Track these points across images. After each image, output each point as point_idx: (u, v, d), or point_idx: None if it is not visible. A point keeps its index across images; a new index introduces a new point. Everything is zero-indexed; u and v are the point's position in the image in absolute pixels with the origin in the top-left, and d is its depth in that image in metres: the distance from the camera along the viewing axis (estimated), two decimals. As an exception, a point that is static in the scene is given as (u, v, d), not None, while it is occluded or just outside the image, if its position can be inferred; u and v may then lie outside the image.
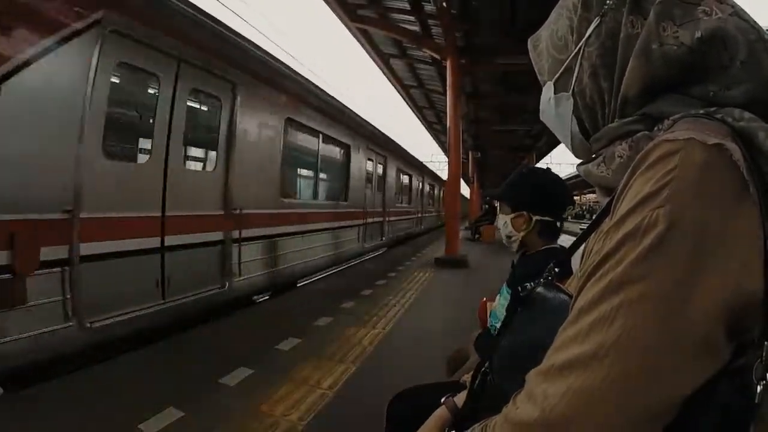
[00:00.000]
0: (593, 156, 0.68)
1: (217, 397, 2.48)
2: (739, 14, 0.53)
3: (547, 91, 0.73)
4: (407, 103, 17.01)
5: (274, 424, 2.21)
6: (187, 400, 2.43)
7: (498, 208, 1.82)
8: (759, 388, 0.43)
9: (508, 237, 1.71)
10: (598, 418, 0.42)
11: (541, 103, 0.78)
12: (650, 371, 0.41)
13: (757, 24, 0.53)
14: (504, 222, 1.71)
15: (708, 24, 0.51)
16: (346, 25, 9.23)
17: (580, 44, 0.64)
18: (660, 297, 0.41)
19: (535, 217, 1.64)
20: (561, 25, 0.68)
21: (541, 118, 0.82)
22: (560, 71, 0.69)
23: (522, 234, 1.66)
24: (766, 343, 0.43)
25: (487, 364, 0.79)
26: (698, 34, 0.51)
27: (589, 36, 0.62)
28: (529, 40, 0.80)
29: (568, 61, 0.67)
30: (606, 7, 0.61)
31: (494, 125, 18.36)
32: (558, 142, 22.01)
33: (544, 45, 0.74)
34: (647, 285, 0.42)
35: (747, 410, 0.43)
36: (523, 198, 1.68)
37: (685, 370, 0.41)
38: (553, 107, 0.72)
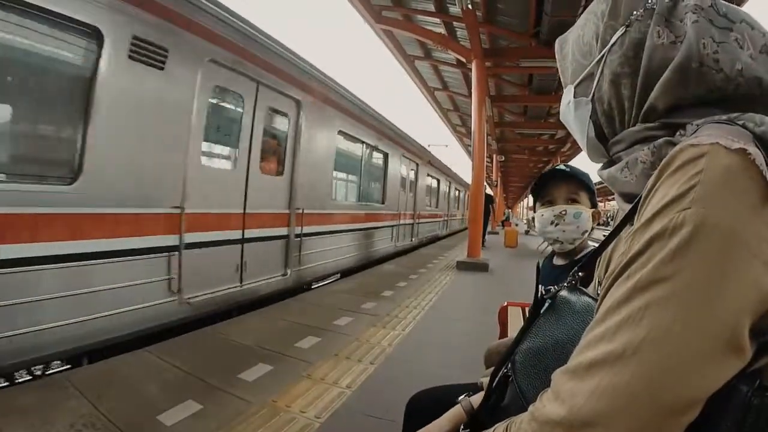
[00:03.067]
0: (611, 160, 0.70)
1: (235, 392, 2.50)
2: None
3: (567, 94, 0.76)
4: (431, 105, 16.97)
5: (291, 420, 2.22)
6: (206, 393, 2.46)
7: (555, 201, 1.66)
8: None
9: (584, 232, 1.61)
10: (626, 416, 0.42)
11: (561, 104, 0.81)
12: (677, 370, 0.42)
13: None
14: (587, 217, 1.61)
15: (746, 59, 0.53)
16: (372, 27, 9.27)
17: (603, 52, 0.66)
18: (687, 296, 0.42)
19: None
20: (588, 30, 0.70)
21: (561, 119, 0.84)
22: (582, 76, 0.71)
23: (592, 229, 1.62)
24: None
25: (508, 366, 0.78)
26: (738, 67, 0.53)
27: (613, 44, 0.64)
28: (557, 41, 0.82)
29: (590, 67, 0.69)
30: (633, 17, 0.62)
31: (518, 128, 18.23)
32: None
33: (570, 48, 0.76)
34: (675, 284, 0.43)
35: (767, 410, 0.44)
36: (594, 191, 1.66)
37: (710, 370, 0.42)
38: (572, 110, 0.74)
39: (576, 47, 0.73)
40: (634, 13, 0.62)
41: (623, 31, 0.62)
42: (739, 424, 0.44)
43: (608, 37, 0.65)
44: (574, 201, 1.61)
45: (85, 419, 2.11)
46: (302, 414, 2.30)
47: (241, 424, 2.17)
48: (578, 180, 1.62)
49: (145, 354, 3.02)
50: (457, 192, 22.46)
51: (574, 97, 0.73)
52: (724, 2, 0.58)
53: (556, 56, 0.80)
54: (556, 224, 1.60)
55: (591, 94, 0.69)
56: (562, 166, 1.63)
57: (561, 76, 0.80)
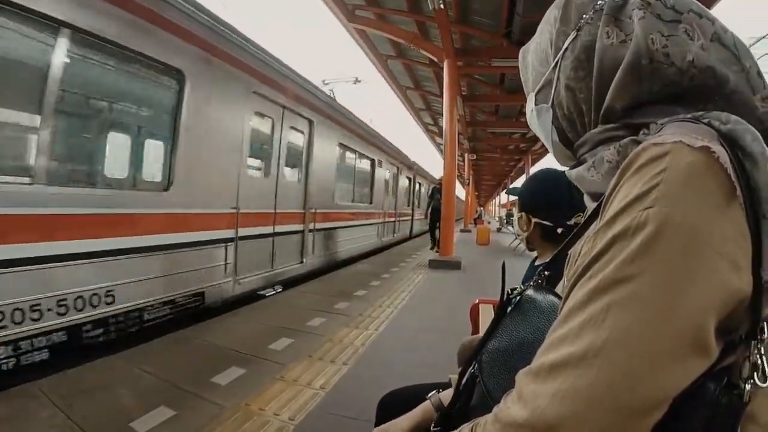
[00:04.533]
0: (578, 160, 0.69)
1: (208, 396, 2.47)
2: (721, 39, 0.55)
3: (530, 102, 0.76)
4: (404, 105, 17.02)
5: (266, 423, 2.21)
6: (179, 399, 2.42)
7: None
8: (747, 387, 0.44)
9: (518, 234, 1.78)
10: (589, 418, 0.42)
11: (526, 112, 0.81)
12: (641, 371, 0.41)
13: (737, 47, 0.55)
14: (515, 220, 1.78)
15: (697, 51, 0.53)
16: (344, 26, 9.23)
17: (557, 57, 0.66)
18: (650, 297, 0.42)
19: (534, 220, 1.64)
20: (543, 38, 0.71)
21: (528, 125, 0.85)
22: (541, 83, 0.72)
23: (525, 234, 1.68)
24: (753, 342, 0.44)
25: (475, 365, 0.79)
26: (689, 58, 0.53)
27: (565, 49, 0.64)
28: (520, 51, 0.83)
29: (547, 74, 0.70)
30: (582, 21, 0.63)
31: (490, 127, 18.42)
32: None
33: (530, 57, 0.76)
34: (637, 285, 0.42)
35: (735, 408, 0.44)
36: (527, 199, 1.69)
37: (675, 370, 0.42)
38: (535, 117, 0.75)
39: (534, 56, 0.74)
40: (584, 16, 0.63)
41: (574, 35, 0.63)
42: (708, 423, 0.44)
43: (561, 43, 0.66)
44: None
45: (58, 429, 2.06)
46: (276, 417, 2.29)
47: (215, 429, 2.14)
48: (513, 193, 1.80)
49: (116, 361, 2.95)
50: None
51: (536, 104, 0.74)
52: None
53: (519, 66, 0.82)
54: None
55: (551, 101, 0.70)
56: (510, 193, 1.80)
57: (524, 85, 0.81)
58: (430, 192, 11.35)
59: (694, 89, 0.54)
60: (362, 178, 10.90)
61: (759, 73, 0.55)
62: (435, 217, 10.74)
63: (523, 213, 1.67)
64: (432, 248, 11.05)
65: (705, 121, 0.48)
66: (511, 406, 0.49)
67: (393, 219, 14.13)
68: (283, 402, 2.45)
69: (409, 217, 17.44)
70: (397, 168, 14.36)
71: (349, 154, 9.50)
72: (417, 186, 18.74)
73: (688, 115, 0.51)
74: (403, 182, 15.82)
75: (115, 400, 2.40)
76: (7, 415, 2.14)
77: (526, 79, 0.78)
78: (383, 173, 12.28)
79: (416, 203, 18.53)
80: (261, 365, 2.99)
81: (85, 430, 2.06)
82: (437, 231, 10.25)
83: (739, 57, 0.54)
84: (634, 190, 0.45)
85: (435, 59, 9.47)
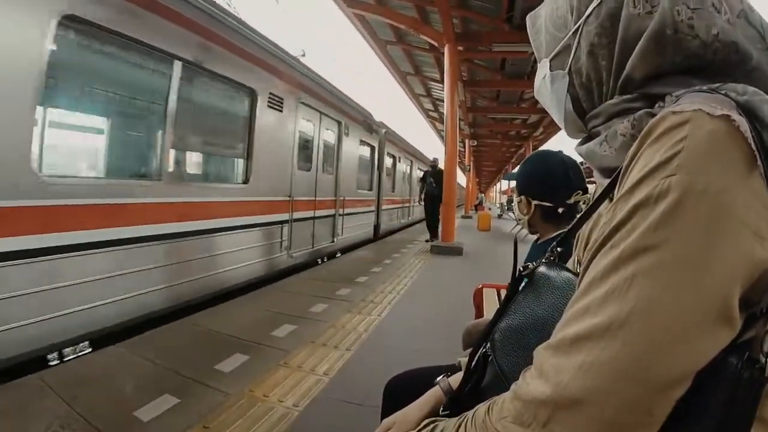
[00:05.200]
0: (589, 134, 0.69)
1: (212, 384, 2.47)
2: (748, 16, 0.54)
3: (543, 69, 0.74)
4: (404, 91, 16.89)
5: (270, 410, 2.21)
6: (183, 387, 2.42)
7: None
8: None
9: (518, 220, 1.78)
10: (614, 392, 0.41)
11: (535, 80, 0.79)
12: (667, 342, 0.40)
13: (763, 26, 0.54)
14: (514, 204, 1.76)
15: (723, 24, 0.52)
16: (343, 11, 9.11)
17: (579, 23, 0.63)
18: (675, 265, 0.41)
19: (534, 202, 1.64)
20: (561, 3, 0.68)
21: (535, 96, 0.82)
22: (557, 49, 0.69)
23: (526, 218, 1.68)
24: None
25: (487, 345, 0.77)
26: (714, 31, 0.52)
27: (588, 15, 0.62)
28: (528, 17, 0.80)
29: (565, 39, 0.67)
30: None
31: (491, 113, 18.32)
32: (556, 131, 22.31)
33: (543, 22, 0.74)
34: (662, 253, 0.41)
35: (757, 383, 0.43)
36: (525, 183, 1.70)
37: (702, 341, 0.41)
38: (549, 85, 0.72)
39: (550, 21, 0.71)
40: None
41: (598, 1, 0.61)
42: (730, 398, 0.43)
43: (583, 8, 0.63)
44: None
45: (62, 420, 2.04)
46: (280, 403, 2.28)
47: (219, 417, 2.13)
48: (511, 178, 1.82)
49: (119, 350, 2.94)
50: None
51: (550, 70, 0.71)
52: None
53: (529, 32, 0.79)
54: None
55: (568, 67, 0.68)
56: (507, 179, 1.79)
57: (535, 52, 0.78)
58: (421, 175, 10.57)
59: (715, 63, 0.53)
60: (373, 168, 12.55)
61: None
62: (429, 203, 9.95)
63: (523, 197, 1.68)
64: (429, 240, 9.82)
65: (722, 91, 0.47)
66: (530, 382, 0.49)
67: (408, 204, 16.58)
68: (287, 388, 2.45)
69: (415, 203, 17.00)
70: (396, 157, 14.92)
71: (365, 148, 10.88)
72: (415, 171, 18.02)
73: (704, 87, 0.49)
74: (404, 168, 16.08)
75: (119, 390, 2.39)
76: (10, 408, 2.14)
77: (538, 44, 0.76)
78: (389, 161, 13.74)
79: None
80: (264, 352, 2.98)
81: (89, 421, 2.04)
82: (436, 220, 9.79)
83: (765, 36, 0.54)
84: (656, 158, 0.44)
85: (435, 44, 9.37)
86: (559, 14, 0.69)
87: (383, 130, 11.68)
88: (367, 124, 10.37)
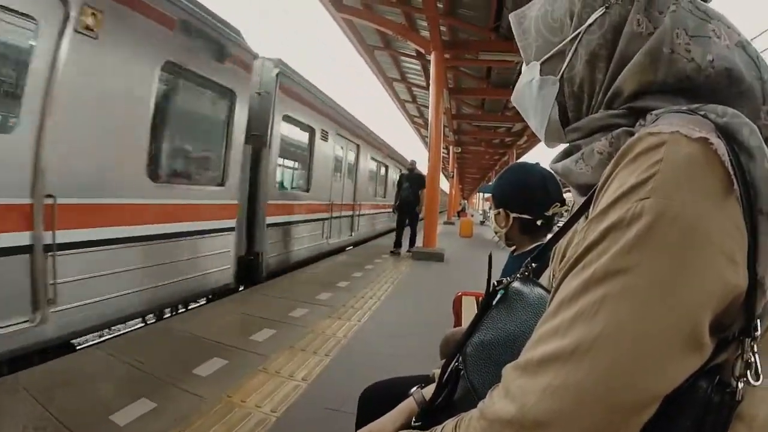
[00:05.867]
0: (565, 151, 0.68)
1: (189, 388, 2.44)
2: (745, 46, 0.54)
3: (531, 72, 0.71)
4: (390, 96, 16.94)
5: (247, 415, 2.19)
6: (160, 390, 2.39)
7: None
8: (740, 385, 0.43)
9: (495, 233, 1.76)
10: (579, 415, 0.41)
11: (519, 82, 0.76)
12: (634, 368, 0.40)
13: (759, 59, 0.54)
14: (491, 218, 1.76)
15: (720, 50, 0.51)
16: (332, 15, 9.12)
17: (580, 30, 0.61)
18: (645, 290, 0.40)
19: (512, 215, 1.65)
20: (558, 7, 0.66)
21: (512, 99, 0.80)
22: (550, 53, 0.67)
23: (503, 231, 1.69)
24: (746, 339, 0.43)
25: (459, 359, 0.77)
26: (710, 57, 0.51)
27: (591, 24, 0.60)
28: (513, 15, 0.77)
29: (561, 45, 0.65)
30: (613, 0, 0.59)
31: (476, 121, 18.45)
32: (539, 140, 22.27)
33: (533, 24, 0.71)
34: (632, 277, 0.41)
35: (727, 407, 0.43)
36: (503, 196, 1.70)
37: (669, 367, 0.41)
38: (535, 89, 0.70)
39: (543, 23, 0.68)
40: None
41: (603, 11, 0.59)
42: (699, 422, 0.43)
43: (586, 16, 0.61)
44: None
45: (37, 422, 2.01)
46: (258, 409, 2.27)
47: (196, 422, 2.12)
48: (486, 191, 1.82)
49: (96, 352, 2.89)
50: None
51: (540, 74, 0.68)
52: (702, 1, 0.56)
53: (514, 31, 0.76)
54: None
55: (560, 74, 0.65)
56: (481, 191, 1.80)
57: (522, 52, 0.74)
58: (398, 179, 9.66)
59: (705, 87, 0.52)
60: (381, 178, 14.93)
61: None
62: (404, 211, 9.08)
63: (501, 210, 1.68)
64: (393, 251, 9.01)
65: (702, 113, 0.47)
66: (497, 402, 0.48)
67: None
68: (264, 394, 2.44)
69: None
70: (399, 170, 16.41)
71: (376, 162, 13.57)
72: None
73: (684, 107, 0.49)
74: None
75: (96, 393, 2.35)
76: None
77: (527, 45, 0.73)
78: (391, 174, 15.85)
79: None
80: (243, 356, 2.96)
81: (65, 424, 2.01)
82: (408, 228, 9.11)
83: (759, 66, 0.53)
84: (630, 180, 0.44)
85: (422, 51, 9.44)
86: (554, 17, 0.66)
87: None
88: (377, 145, 13.17)
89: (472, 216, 25.15)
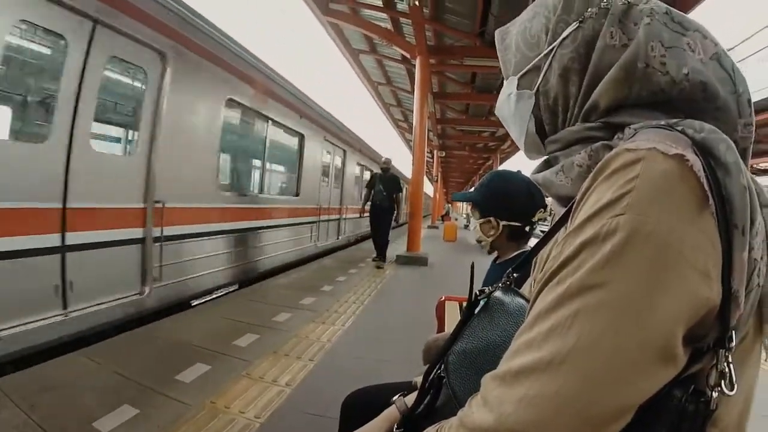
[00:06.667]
0: (546, 161, 0.69)
1: (173, 394, 2.42)
2: (720, 59, 0.55)
3: (510, 86, 0.72)
4: (374, 100, 16.98)
5: (231, 421, 2.19)
6: (142, 397, 2.37)
7: (470, 210, 1.82)
8: (714, 395, 0.44)
9: (478, 241, 1.74)
10: (554, 426, 0.42)
11: (500, 95, 0.78)
12: (606, 380, 0.41)
13: (735, 72, 0.55)
14: (474, 227, 1.74)
15: (694, 64, 0.53)
16: (318, 19, 9.12)
17: (554, 45, 0.63)
18: (618, 305, 0.41)
19: (502, 223, 1.66)
20: (536, 23, 0.67)
21: (496, 112, 0.81)
22: (527, 68, 0.68)
23: (491, 239, 1.69)
24: (721, 350, 0.44)
25: (441, 366, 0.79)
26: (685, 71, 0.52)
27: (564, 38, 0.62)
28: (497, 32, 0.79)
29: (537, 60, 0.66)
30: (587, 14, 0.61)
31: (460, 125, 18.58)
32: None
33: (513, 40, 0.72)
34: (606, 292, 0.42)
35: (701, 416, 0.44)
36: (491, 203, 1.70)
37: (642, 379, 0.42)
38: (513, 103, 0.72)
39: (521, 39, 0.70)
40: (589, 10, 0.60)
41: (576, 26, 0.61)
42: (675, 429, 0.44)
43: (560, 31, 0.63)
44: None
45: (19, 429, 1.98)
46: (242, 414, 2.27)
47: (179, 428, 2.11)
48: (467, 199, 1.82)
49: (80, 358, 2.84)
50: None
51: (517, 88, 0.70)
52: (679, 12, 0.57)
53: (497, 47, 0.78)
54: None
55: (535, 87, 0.67)
56: (458, 199, 1.83)
57: (502, 67, 0.77)
58: (369, 179, 8.67)
59: (680, 99, 0.54)
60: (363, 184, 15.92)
61: (749, 102, 0.55)
62: (376, 215, 8.06)
63: (492, 218, 1.68)
64: (375, 258, 8.14)
65: (679, 128, 0.48)
66: (476, 411, 0.49)
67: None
68: (248, 399, 2.43)
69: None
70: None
71: (359, 168, 13.74)
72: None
73: (662, 122, 0.50)
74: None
75: (78, 399, 2.31)
76: None
77: (506, 60, 0.75)
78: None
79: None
80: (226, 362, 2.95)
81: (48, 431, 1.98)
82: (385, 235, 8.20)
83: (734, 80, 0.54)
84: (606, 196, 0.44)
85: (407, 56, 9.49)
86: (532, 33, 0.68)
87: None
88: (362, 150, 13.70)
89: (456, 220, 25.27)
